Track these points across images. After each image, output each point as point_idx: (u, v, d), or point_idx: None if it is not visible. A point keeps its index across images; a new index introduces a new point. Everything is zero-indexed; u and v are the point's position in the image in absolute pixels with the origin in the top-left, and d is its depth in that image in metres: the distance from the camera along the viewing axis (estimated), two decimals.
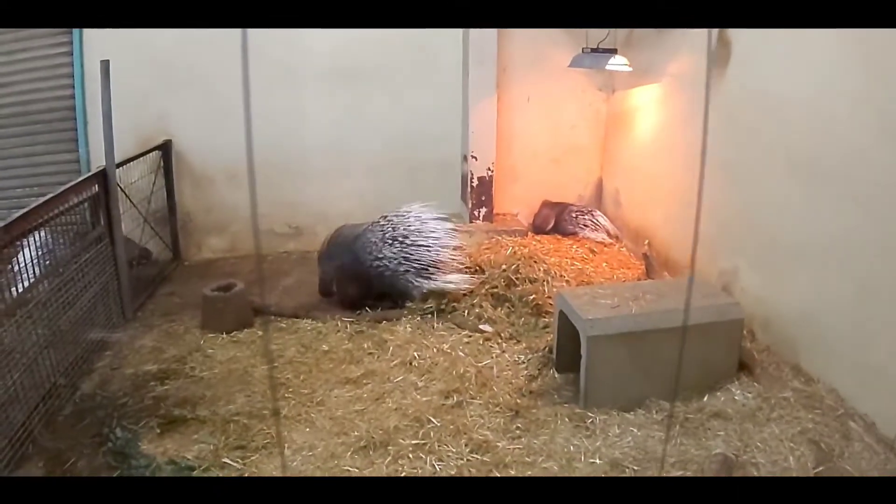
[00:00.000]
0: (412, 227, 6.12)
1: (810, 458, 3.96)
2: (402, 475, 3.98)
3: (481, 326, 5.76)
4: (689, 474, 3.88)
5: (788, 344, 4.98)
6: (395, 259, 6.04)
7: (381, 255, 6.07)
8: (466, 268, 6.30)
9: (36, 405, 4.46)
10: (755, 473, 3.88)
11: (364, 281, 6.16)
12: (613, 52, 6.97)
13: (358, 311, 6.14)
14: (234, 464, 4.13)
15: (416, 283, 6.04)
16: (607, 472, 3.95)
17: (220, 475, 4.04)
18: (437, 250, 6.06)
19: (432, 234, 6.12)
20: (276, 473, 4.04)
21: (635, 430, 4.33)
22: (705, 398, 4.56)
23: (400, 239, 6.08)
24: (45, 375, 4.67)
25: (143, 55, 7.04)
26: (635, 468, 3.98)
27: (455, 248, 6.17)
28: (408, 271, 6.04)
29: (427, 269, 6.04)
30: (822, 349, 4.67)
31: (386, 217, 6.25)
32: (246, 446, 4.31)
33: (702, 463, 3.96)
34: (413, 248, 6.05)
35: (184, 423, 4.58)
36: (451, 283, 6.05)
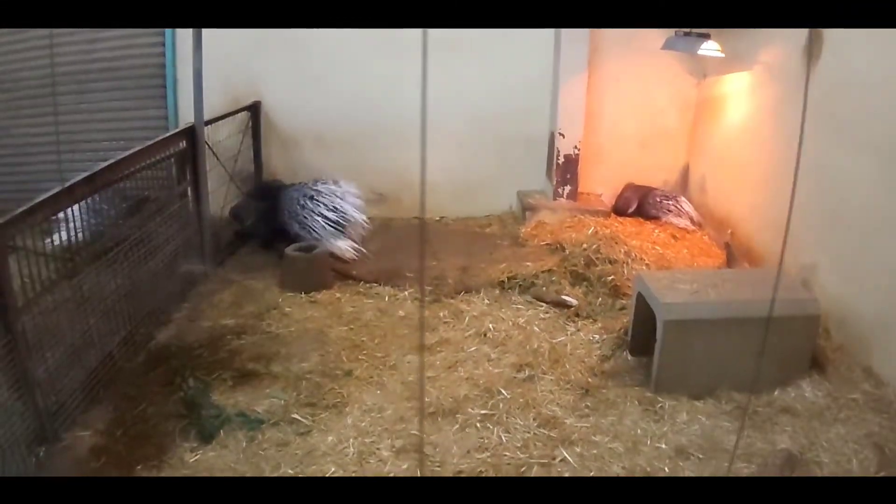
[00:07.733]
0: (328, 194, 6.82)
1: (873, 462, 3.89)
2: (468, 446, 4.02)
3: (564, 297, 5.76)
4: (753, 467, 3.84)
5: (862, 345, 4.85)
6: (307, 215, 6.67)
7: (294, 210, 6.73)
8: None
9: (110, 351, 4.58)
10: (818, 472, 3.82)
11: (278, 226, 6.86)
12: (707, 37, 6.85)
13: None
14: (304, 420, 4.22)
15: (314, 237, 6.58)
16: (672, 458, 3.93)
17: (289, 430, 4.12)
18: (343, 215, 6.74)
19: (342, 203, 6.80)
20: (344, 432, 4.10)
21: (703, 419, 4.29)
22: (776, 392, 4.48)
23: (314, 200, 6.75)
24: (122, 323, 4.79)
25: None
26: (700, 456, 3.96)
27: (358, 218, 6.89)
28: (309, 227, 6.66)
29: (330, 227, 6.67)
30: (895, 353, 4.57)
31: (306, 183, 6.98)
32: (316, 404, 4.40)
33: (766, 457, 3.92)
34: (323, 205, 6.73)
35: (257, 377, 4.68)
36: (338, 247, 6.59)
